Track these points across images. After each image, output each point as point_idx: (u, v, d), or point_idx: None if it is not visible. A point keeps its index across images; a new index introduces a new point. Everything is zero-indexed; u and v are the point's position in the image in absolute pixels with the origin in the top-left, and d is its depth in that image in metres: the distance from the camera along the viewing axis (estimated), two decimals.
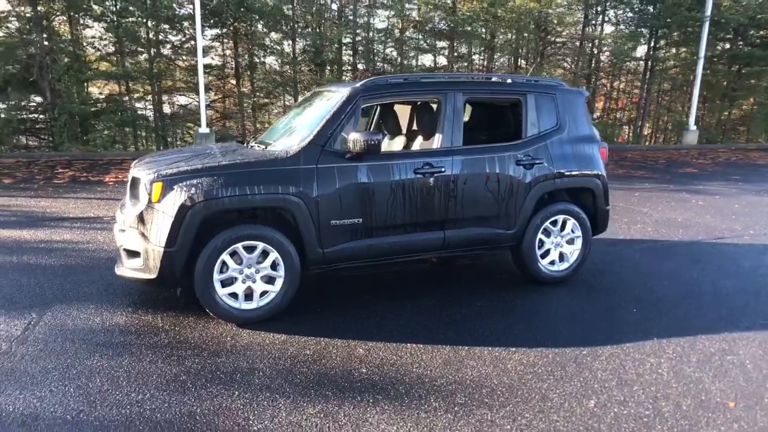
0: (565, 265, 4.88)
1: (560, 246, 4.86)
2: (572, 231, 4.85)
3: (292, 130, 4.42)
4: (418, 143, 4.83)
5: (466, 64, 23.05)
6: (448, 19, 18.06)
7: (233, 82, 17.56)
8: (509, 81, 4.80)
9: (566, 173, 4.70)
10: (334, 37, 17.49)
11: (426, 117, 4.72)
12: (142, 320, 3.93)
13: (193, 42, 15.17)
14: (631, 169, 13.73)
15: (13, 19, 13.75)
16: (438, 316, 4.08)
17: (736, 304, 4.41)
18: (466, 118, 4.76)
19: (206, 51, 16.72)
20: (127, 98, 16.11)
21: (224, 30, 16.56)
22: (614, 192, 10.05)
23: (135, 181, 3.96)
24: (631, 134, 25.34)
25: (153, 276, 3.74)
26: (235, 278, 3.87)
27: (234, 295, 3.88)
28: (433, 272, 5.18)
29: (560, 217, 4.78)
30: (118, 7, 14.48)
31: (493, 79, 4.91)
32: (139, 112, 16.87)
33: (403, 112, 5.57)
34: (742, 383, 3.18)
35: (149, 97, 16.39)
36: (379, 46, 19.77)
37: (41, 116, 14.67)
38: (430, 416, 2.80)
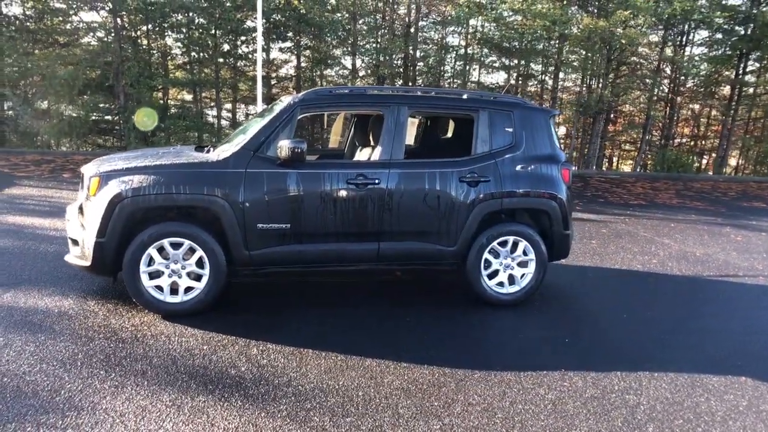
0: (514, 288, 4.71)
1: (510, 268, 4.70)
2: (524, 254, 4.68)
3: (236, 136, 4.62)
4: (365, 155, 4.87)
5: (536, 82, 22.58)
6: (512, 36, 17.81)
7: (295, 92, 18.29)
8: (464, 97, 4.74)
9: (517, 193, 4.56)
10: (394, 50, 17.77)
11: (372, 129, 4.76)
12: (84, 305, 4.24)
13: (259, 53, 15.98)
14: (688, 200, 12.87)
15: (96, 25, 15.21)
16: (359, 327, 4.09)
17: (677, 344, 4.06)
18: (412, 133, 4.75)
19: (271, 62, 17.57)
20: (194, 105, 17.25)
21: (286, 43, 17.33)
22: (650, 221, 9.52)
23: (82, 177, 4.31)
24: (711, 164, 23.64)
25: (88, 264, 4.04)
26: (162, 272, 4.09)
27: (160, 288, 4.11)
28: (390, 286, 5.16)
29: (510, 238, 4.63)
30: (188, 17, 15.60)
31: (448, 95, 4.86)
32: (209, 119, 17.99)
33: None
34: (619, 425, 2.94)
35: (213, 104, 17.44)
36: (442, 62, 19.83)
37: (114, 118, 16.03)
38: (269, 417, 2.83)
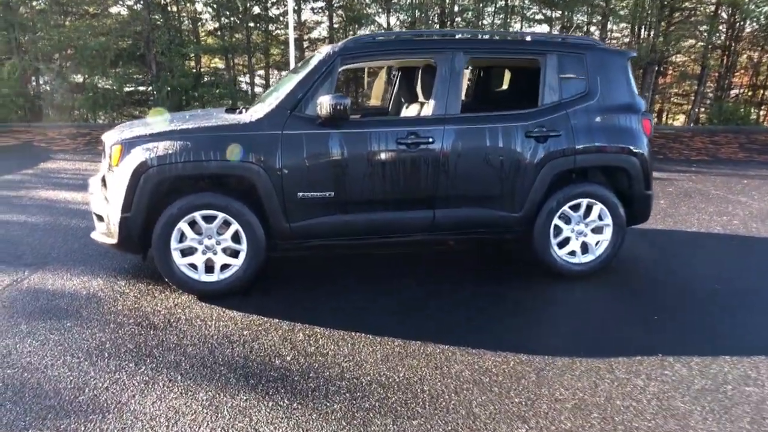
0: (588, 258, 4.14)
1: (583, 235, 4.12)
2: (599, 218, 4.09)
3: (269, 96, 4.12)
4: (413, 112, 4.32)
5: (581, 35, 21.24)
6: None
7: None
8: (528, 39, 4.09)
9: (592, 148, 3.94)
10: (430, 6, 16.85)
11: (422, 82, 4.19)
12: (114, 286, 3.90)
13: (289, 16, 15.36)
14: (755, 153, 11.83)
15: None
16: (413, 307, 3.62)
17: None
18: (469, 83, 4.16)
19: (303, 24, 16.95)
20: (227, 72, 16.83)
21: (318, 2, 16.64)
22: (718, 178, 8.70)
23: (104, 146, 3.90)
24: None
25: (114, 241, 3.67)
26: (195, 249, 3.69)
27: (194, 266, 3.71)
28: (443, 256, 4.66)
29: (583, 201, 4.04)
30: None
31: (508, 37, 4.21)
32: (242, 86, 17.56)
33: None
34: (747, 427, 2.40)
35: (246, 71, 16.99)
36: (481, 15, 18.78)
37: (148, 89, 15.76)
38: (322, 419, 2.41)
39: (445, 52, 3.84)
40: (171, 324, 3.32)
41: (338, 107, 3.47)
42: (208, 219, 3.64)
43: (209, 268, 3.72)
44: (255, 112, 3.74)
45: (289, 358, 2.93)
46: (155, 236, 3.59)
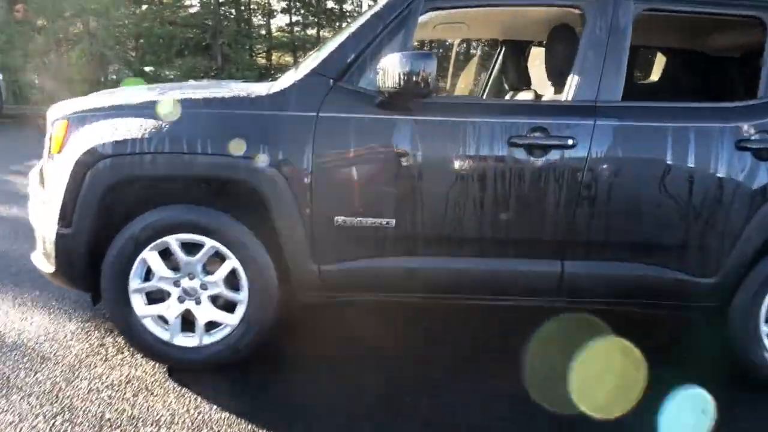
0: None
1: None
2: None
3: (308, 59, 2.67)
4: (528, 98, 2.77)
5: None
6: None
7: None
8: None
9: None
10: None
11: (551, 52, 2.62)
12: (47, 339, 2.58)
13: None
14: None
15: None
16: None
17: None
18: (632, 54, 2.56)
19: None
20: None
21: None
22: None
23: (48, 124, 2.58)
24: None
25: (51, 269, 2.33)
26: (167, 293, 2.29)
27: (164, 320, 2.32)
28: (569, 327, 3.04)
29: None
30: None
31: None
32: None
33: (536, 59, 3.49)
34: None
35: None
36: None
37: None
38: None
39: None
40: (120, 426, 1.93)
41: (417, 75, 1.97)
42: (190, 248, 2.24)
43: (188, 323, 2.32)
44: (279, 82, 2.30)
45: None
46: (106, 268, 2.23)
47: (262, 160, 2.11)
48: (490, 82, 3.87)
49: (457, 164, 2.15)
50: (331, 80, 2.18)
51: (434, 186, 2.17)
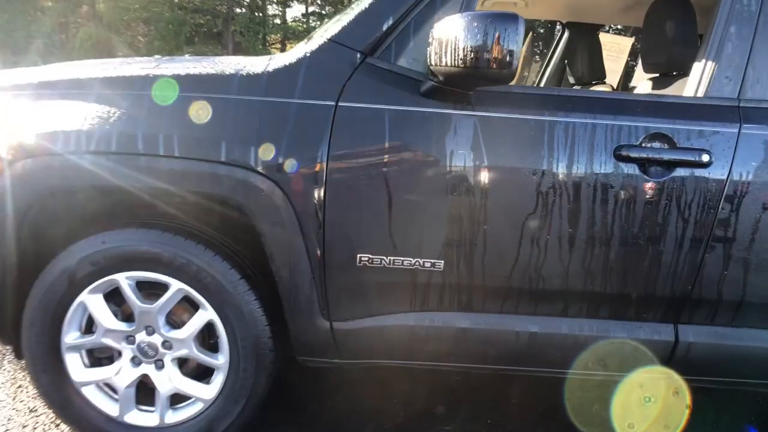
0: None
1: None
2: None
3: (334, 20, 1.98)
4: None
5: None
6: None
7: None
8: None
9: None
10: None
11: (662, 22, 1.90)
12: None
13: None
14: None
15: None
16: None
17: None
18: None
19: None
20: None
21: None
22: None
23: None
24: None
25: None
26: (117, 352, 1.63)
27: (111, 390, 1.66)
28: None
29: None
30: None
31: None
32: None
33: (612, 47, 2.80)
34: None
35: None
36: None
37: None
38: None
39: None
40: None
41: (493, 49, 1.27)
42: (149, 289, 1.57)
43: (146, 391, 1.65)
44: (283, 56, 1.62)
45: None
46: (29, 315, 1.56)
47: (252, 167, 1.43)
48: (546, 75, 3.16)
49: (538, 184, 1.47)
50: (358, 54, 1.49)
51: (503, 214, 1.49)
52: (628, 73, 3.88)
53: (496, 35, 1.25)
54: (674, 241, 1.50)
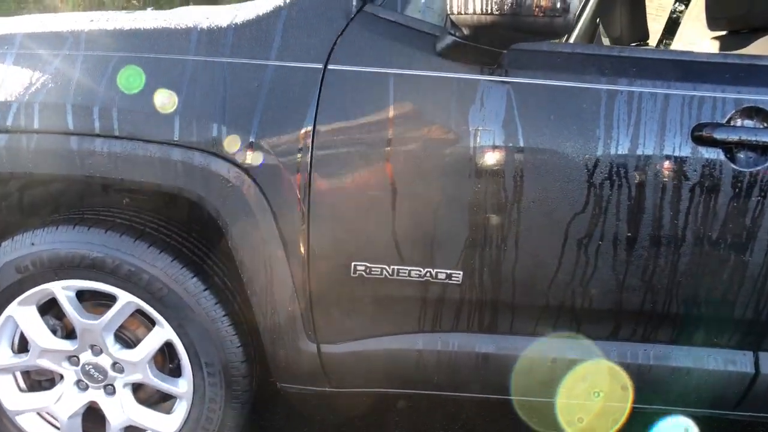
0: None
1: None
2: None
3: None
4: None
5: None
6: None
7: None
8: None
9: None
10: None
11: None
12: None
13: None
14: None
15: None
16: None
17: None
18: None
19: None
20: None
21: None
22: None
23: None
24: None
25: None
26: (58, 375, 1.33)
27: (50, 418, 1.36)
28: None
29: None
30: None
31: None
32: None
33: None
34: None
35: None
36: None
37: None
38: None
39: None
40: None
41: None
42: (95, 300, 1.26)
43: (96, 420, 1.36)
44: (254, 4, 1.24)
45: None
46: None
47: (214, 151, 1.09)
48: (574, 34, 2.75)
49: (590, 174, 1.11)
50: (354, 0, 1.13)
51: (543, 212, 1.14)
52: (668, 32, 3.44)
53: None
54: (765, 249, 1.15)
